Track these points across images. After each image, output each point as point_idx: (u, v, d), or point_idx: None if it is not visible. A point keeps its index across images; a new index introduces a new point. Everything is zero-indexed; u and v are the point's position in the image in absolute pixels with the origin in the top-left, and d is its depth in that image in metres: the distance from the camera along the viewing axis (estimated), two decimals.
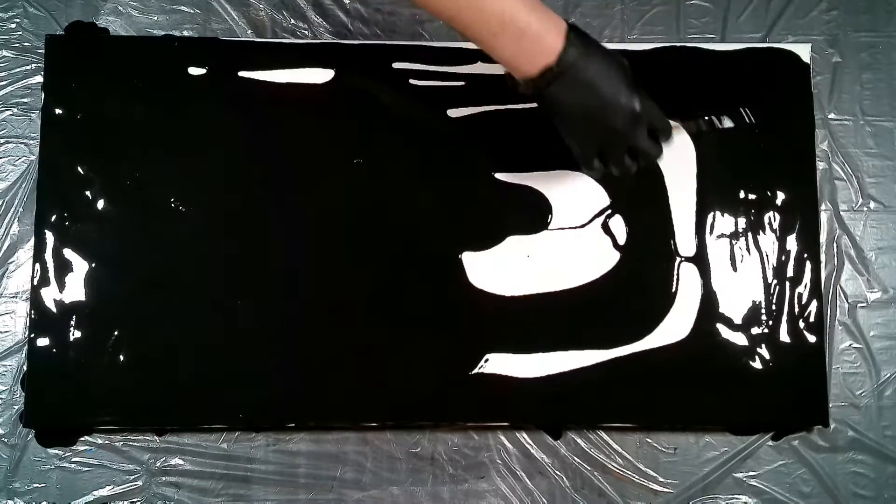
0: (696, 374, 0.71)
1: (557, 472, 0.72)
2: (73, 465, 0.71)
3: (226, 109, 0.73)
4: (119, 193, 0.72)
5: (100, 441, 0.72)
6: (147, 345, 0.70)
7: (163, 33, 0.75)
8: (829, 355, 0.73)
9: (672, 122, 0.63)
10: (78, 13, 0.76)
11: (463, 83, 0.74)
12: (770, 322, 0.72)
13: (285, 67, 0.73)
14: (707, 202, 0.73)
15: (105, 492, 0.71)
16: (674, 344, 0.71)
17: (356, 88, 0.73)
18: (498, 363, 0.71)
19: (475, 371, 0.71)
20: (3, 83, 0.75)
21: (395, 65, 0.74)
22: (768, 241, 0.73)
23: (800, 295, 0.72)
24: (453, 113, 0.74)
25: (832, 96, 0.76)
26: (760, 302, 0.72)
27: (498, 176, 0.73)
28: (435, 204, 0.73)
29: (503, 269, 0.72)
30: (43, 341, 0.70)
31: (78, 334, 0.70)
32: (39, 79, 0.74)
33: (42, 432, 0.71)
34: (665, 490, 0.72)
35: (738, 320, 0.72)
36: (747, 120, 0.72)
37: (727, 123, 0.70)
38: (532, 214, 0.73)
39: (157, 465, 0.71)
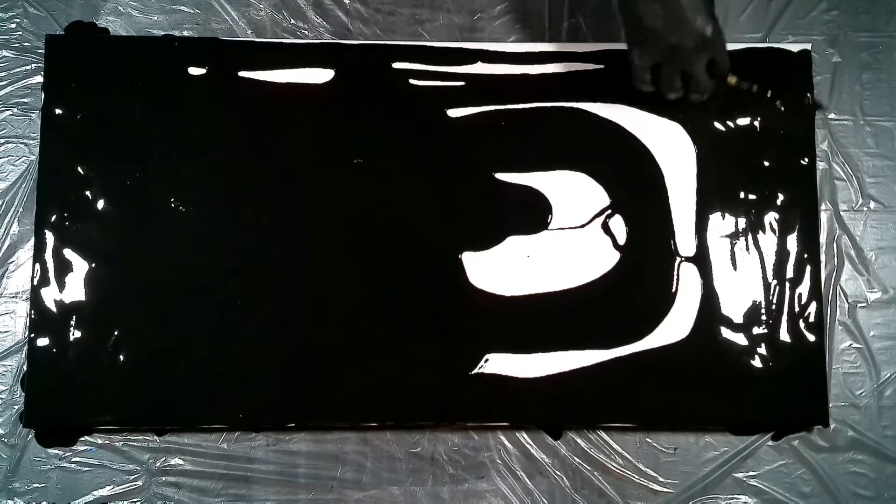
0: (696, 374, 0.71)
1: (557, 472, 0.72)
2: (73, 465, 0.71)
3: (226, 109, 0.73)
4: (119, 193, 0.72)
5: (100, 441, 0.72)
6: (147, 345, 0.70)
7: (163, 33, 0.75)
8: (829, 355, 0.73)
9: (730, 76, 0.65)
10: (78, 13, 0.76)
11: (463, 83, 0.74)
12: (770, 322, 0.72)
13: (285, 67, 0.73)
14: (707, 202, 0.73)
15: (105, 492, 0.71)
16: (674, 344, 0.71)
17: (356, 88, 0.74)
18: (498, 363, 0.71)
19: (475, 371, 0.71)
20: (3, 83, 0.75)
21: (395, 65, 0.74)
22: (768, 241, 0.73)
23: (800, 295, 0.72)
24: (453, 113, 0.73)
25: (832, 96, 0.76)
26: (760, 302, 0.72)
27: (498, 176, 0.73)
28: (435, 204, 0.73)
29: (503, 269, 0.72)
30: (43, 341, 0.70)
31: (78, 334, 0.70)
32: (39, 79, 0.74)
33: (42, 432, 0.71)
34: (665, 490, 0.72)
35: (738, 320, 0.72)
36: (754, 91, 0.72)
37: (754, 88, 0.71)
38: (532, 214, 0.73)
39: (157, 465, 0.71)
